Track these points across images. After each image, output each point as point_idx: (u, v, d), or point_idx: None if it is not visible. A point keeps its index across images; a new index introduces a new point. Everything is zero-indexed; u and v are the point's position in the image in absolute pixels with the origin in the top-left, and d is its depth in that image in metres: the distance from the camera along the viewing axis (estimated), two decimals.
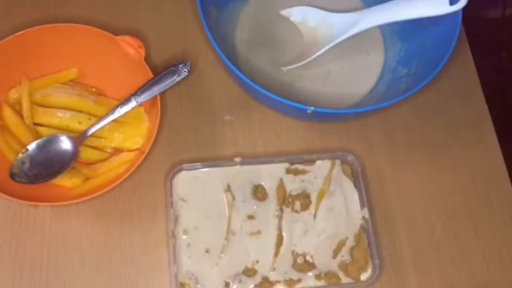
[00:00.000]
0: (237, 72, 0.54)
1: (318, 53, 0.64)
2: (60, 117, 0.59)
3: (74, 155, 0.56)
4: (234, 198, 0.58)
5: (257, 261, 0.56)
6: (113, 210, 0.59)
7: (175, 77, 0.58)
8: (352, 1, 0.69)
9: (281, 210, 0.58)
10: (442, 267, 0.59)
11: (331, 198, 0.59)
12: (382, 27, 0.69)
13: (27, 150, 0.56)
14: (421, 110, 0.66)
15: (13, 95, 0.59)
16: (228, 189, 0.59)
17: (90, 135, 0.57)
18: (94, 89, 0.62)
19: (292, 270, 0.56)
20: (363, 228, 0.59)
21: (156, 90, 0.57)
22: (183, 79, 0.58)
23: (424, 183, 0.63)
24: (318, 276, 0.56)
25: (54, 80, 0.61)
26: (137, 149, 0.59)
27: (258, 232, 0.57)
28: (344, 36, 0.63)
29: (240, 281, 0.55)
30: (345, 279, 0.57)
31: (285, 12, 0.68)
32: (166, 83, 0.57)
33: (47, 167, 0.56)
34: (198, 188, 0.59)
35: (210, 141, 0.63)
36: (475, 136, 0.65)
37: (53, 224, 0.58)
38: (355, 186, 0.60)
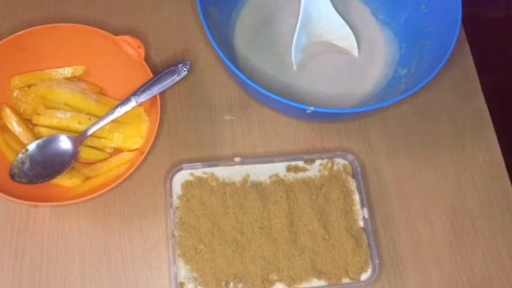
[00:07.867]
0: (237, 72, 0.54)
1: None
2: (60, 118, 0.59)
3: (74, 155, 0.56)
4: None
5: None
6: (113, 210, 0.59)
7: (175, 76, 0.58)
8: (352, 1, 0.70)
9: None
10: (442, 267, 0.59)
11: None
12: (382, 27, 0.69)
13: (27, 150, 0.56)
14: (421, 110, 0.66)
15: (15, 80, 0.59)
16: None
17: (90, 135, 0.57)
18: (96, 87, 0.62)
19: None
20: (363, 228, 0.59)
21: (155, 90, 0.57)
22: (182, 79, 0.58)
23: (424, 183, 0.63)
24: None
25: (61, 73, 0.61)
26: (137, 149, 0.59)
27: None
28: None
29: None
30: (345, 279, 0.57)
31: None
32: (166, 82, 0.57)
33: (46, 167, 0.56)
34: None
35: (210, 141, 0.63)
36: (475, 136, 0.65)
37: (53, 224, 0.58)
38: (355, 186, 0.60)
